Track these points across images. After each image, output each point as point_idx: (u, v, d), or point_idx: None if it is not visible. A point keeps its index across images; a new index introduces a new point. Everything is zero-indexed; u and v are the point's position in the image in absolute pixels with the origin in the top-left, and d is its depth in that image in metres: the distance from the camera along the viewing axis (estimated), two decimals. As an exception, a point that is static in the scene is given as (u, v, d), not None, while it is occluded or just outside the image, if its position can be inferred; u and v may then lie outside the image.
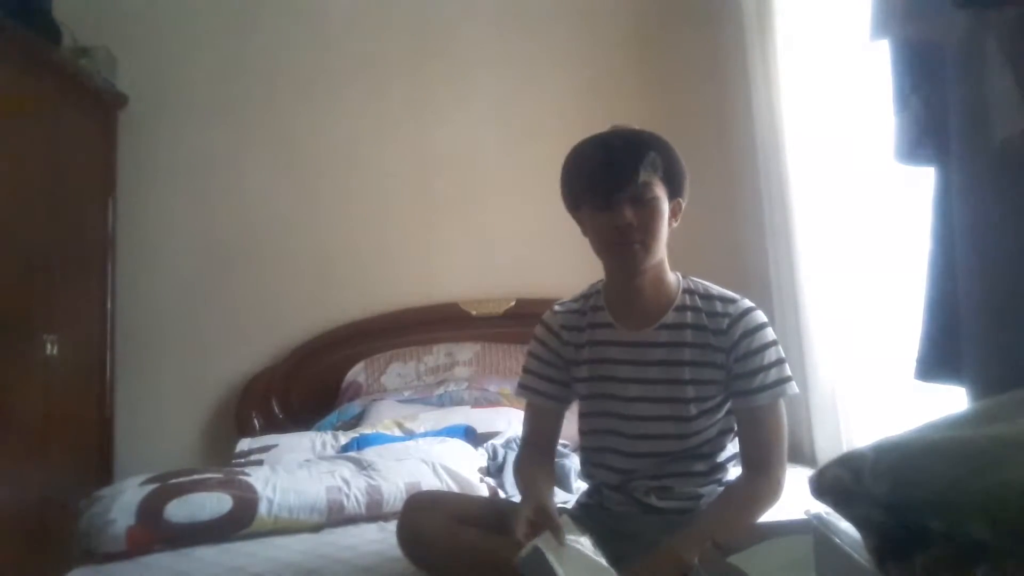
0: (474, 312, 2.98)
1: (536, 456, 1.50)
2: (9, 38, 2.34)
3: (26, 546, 2.28)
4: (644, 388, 1.40)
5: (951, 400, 1.24)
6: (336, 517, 1.74)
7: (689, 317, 1.40)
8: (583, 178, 1.37)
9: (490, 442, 2.18)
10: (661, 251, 1.38)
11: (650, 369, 1.39)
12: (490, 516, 1.38)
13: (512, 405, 2.56)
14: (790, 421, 2.51)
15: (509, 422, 2.34)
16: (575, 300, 1.52)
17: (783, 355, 1.39)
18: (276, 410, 2.86)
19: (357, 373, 2.87)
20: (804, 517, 0.80)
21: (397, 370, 2.86)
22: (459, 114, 3.12)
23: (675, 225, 1.42)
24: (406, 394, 2.70)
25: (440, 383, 2.73)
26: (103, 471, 2.74)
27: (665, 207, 1.36)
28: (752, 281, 2.69)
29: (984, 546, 0.49)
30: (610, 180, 1.33)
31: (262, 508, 1.68)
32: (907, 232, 1.82)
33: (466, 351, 2.89)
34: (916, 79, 1.24)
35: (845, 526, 0.69)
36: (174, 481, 1.73)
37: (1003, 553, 0.49)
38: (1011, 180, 1.05)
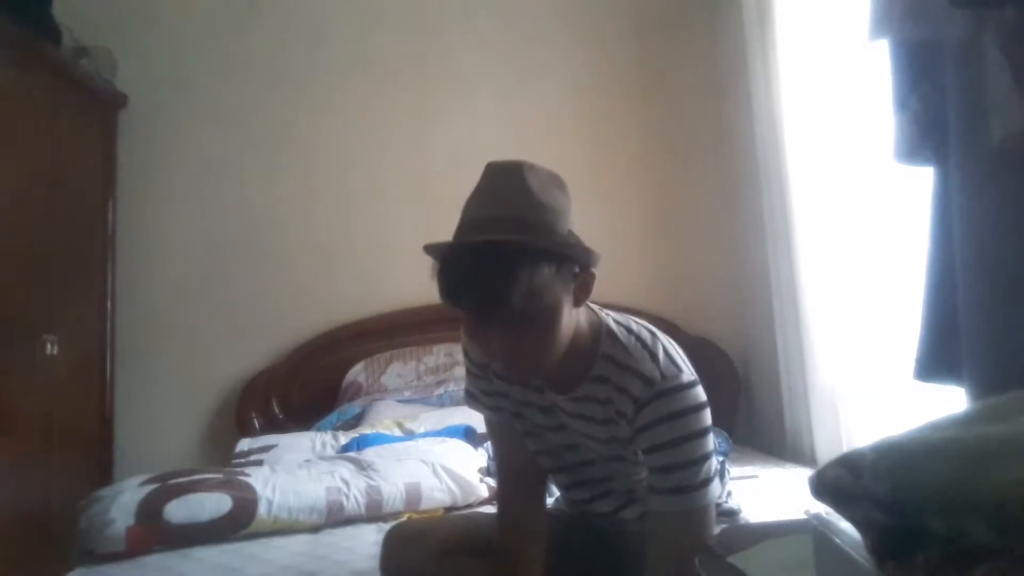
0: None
1: (519, 496, 1.33)
2: (9, 38, 2.34)
3: (26, 546, 2.27)
4: (566, 436, 1.28)
5: (951, 400, 1.24)
6: (336, 518, 1.74)
7: (602, 392, 1.18)
8: (451, 297, 1.09)
9: (490, 442, 2.18)
10: (560, 349, 1.12)
11: (570, 421, 1.25)
12: (475, 540, 1.35)
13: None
14: (791, 420, 2.53)
15: (509, 422, 2.33)
16: None
17: (704, 451, 1.11)
18: (276, 410, 2.86)
19: (357, 373, 2.87)
20: (804, 517, 0.80)
21: (397, 370, 2.86)
22: (459, 114, 3.12)
23: (586, 299, 1.15)
24: (406, 394, 2.70)
25: (440, 383, 2.74)
26: (103, 471, 2.74)
27: (559, 309, 1.08)
28: (752, 281, 2.69)
29: (984, 546, 0.49)
30: (482, 312, 1.07)
31: (262, 508, 1.68)
32: (907, 232, 1.82)
33: (466, 351, 2.89)
34: (915, 79, 1.24)
35: (845, 526, 0.69)
36: (174, 481, 1.73)
37: (1003, 553, 0.49)
38: (1010, 180, 1.05)
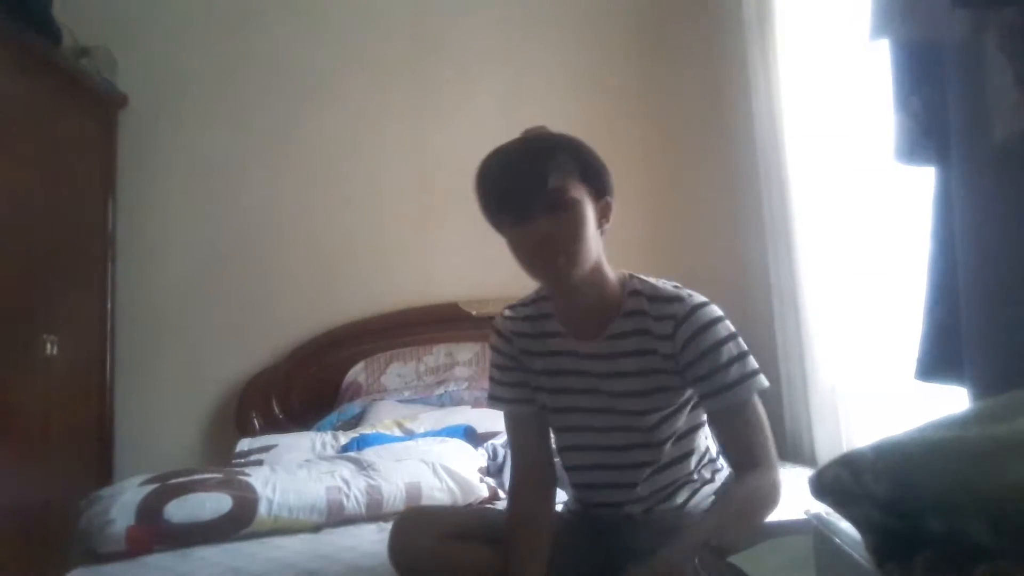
0: (474, 312, 2.98)
1: (529, 487, 1.37)
2: (9, 38, 2.34)
3: (26, 546, 2.28)
4: (600, 400, 1.34)
5: (951, 400, 1.24)
6: (336, 517, 1.74)
7: (637, 323, 1.30)
8: (492, 194, 1.26)
9: (490, 442, 2.18)
10: (592, 257, 1.26)
11: (605, 381, 1.33)
12: (483, 529, 1.36)
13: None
14: (791, 420, 2.53)
15: (509, 422, 2.33)
16: (525, 304, 1.44)
17: (744, 348, 1.27)
18: (276, 410, 2.86)
19: (357, 373, 2.87)
20: (804, 517, 0.80)
21: (397, 370, 2.86)
22: (459, 114, 3.12)
23: (607, 226, 1.30)
24: (406, 394, 2.70)
25: (440, 383, 2.74)
26: (103, 471, 2.74)
27: (587, 210, 1.24)
28: (752, 281, 2.69)
29: (984, 546, 0.49)
30: (519, 192, 1.22)
31: (262, 508, 1.68)
32: (907, 232, 1.82)
33: (466, 351, 2.89)
34: (916, 79, 1.24)
35: (845, 526, 0.69)
36: (174, 481, 1.73)
37: (1003, 553, 0.49)
38: (1011, 180, 1.05)
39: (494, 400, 1.44)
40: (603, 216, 1.29)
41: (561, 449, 1.42)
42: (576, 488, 1.45)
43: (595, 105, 3.05)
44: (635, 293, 1.32)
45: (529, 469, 1.40)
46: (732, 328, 1.27)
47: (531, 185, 1.21)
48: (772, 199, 2.53)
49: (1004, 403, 0.62)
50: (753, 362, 1.27)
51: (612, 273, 1.33)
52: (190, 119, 3.06)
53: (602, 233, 1.30)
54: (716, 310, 1.28)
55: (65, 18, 2.67)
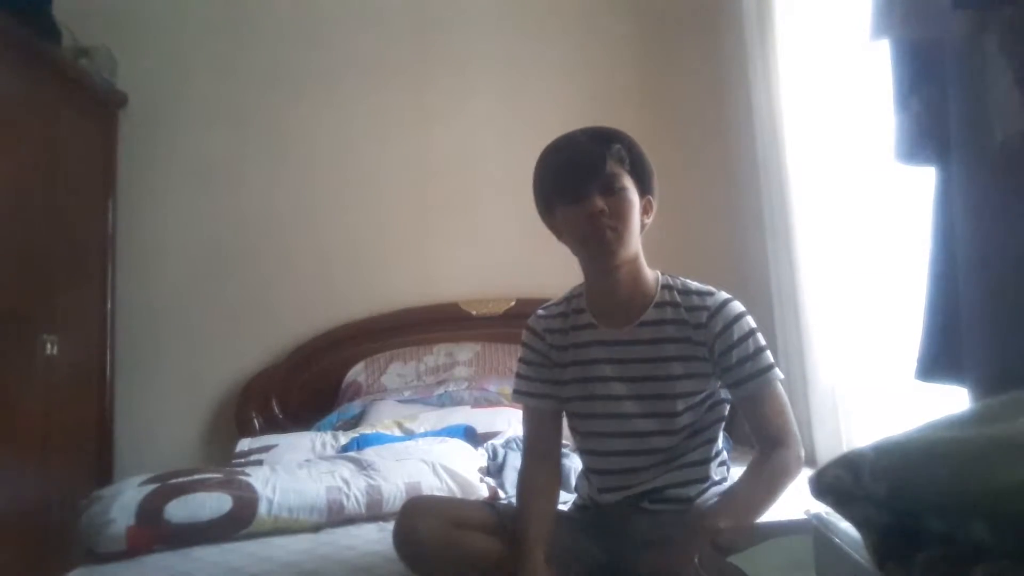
0: (474, 312, 2.98)
1: (540, 469, 1.46)
2: (9, 38, 2.34)
3: (26, 546, 2.28)
4: (629, 386, 1.41)
5: (951, 400, 1.24)
6: (336, 517, 1.74)
7: (669, 313, 1.41)
8: (552, 175, 1.40)
9: (490, 442, 2.18)
10: (635, 244, 1.39)
11: (633, 366, 1.41)
12: (487, 520, 1.38)
13: (512, 405, 2.55)
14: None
15: (509, 422, 2.34)
16: (558, 303, 1.53)
17: (763, 342, 1.40)
18: (276, 410, 2.86)
19: (357, 373, 2.87)
20: (804, 517, 0.80)
21: (397, 370, 2.86)
22: (458, 114, 3.12)
23: (647, 223, 1.43)
24: (406, 394, 2.70)
25: (440, 383, 2.74)
26: (103, 471, 2.74)
27: (635, 199, 1.37)
28: (752, 281, 2.69)
29: (984, 546, 0.49)
30: (578, 171, 1.36)
31: (262, 508, 1.68)
32: (907, 232, 1.82)
33: (466, 351, 2.89)
34: (916, 79, 1.24)
35: (845, 526, 0.69)
36: (174, 481, 1.73)
37: (1002, 553, 0.49)
38: (1011, 180, 1.05)
39: (519, 394, 1.52)
40: (644, 212, 1.41)
41: (584, 436, 1.49)
42: (593, 474, 1.49)
43: (595, 105, 3.04)
44: (667, 287, 1.43)
45: (542, 458, 1.48)
46: (754, 323, 1.41)
47: (590, 167, 1.35)
48: (772, 199, 2.53)
49: (1004, 403, 0.62)
50: (771, 355, 1.40)
51: (648, 268, 1.44)
52: (190, 119, 3.06)
53: (643, 229, 1.41)
54: (741, 305, 1.41)
55: (65, 18, 2.67)
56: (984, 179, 1.10)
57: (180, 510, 1.63)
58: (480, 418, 2.39)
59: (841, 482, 0.58)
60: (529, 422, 1.53)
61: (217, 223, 3.04)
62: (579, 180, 1.35)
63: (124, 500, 1.64)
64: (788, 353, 2.45)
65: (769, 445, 1.37)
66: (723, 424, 1.47)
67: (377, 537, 1.63)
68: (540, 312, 1.54)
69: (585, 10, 3.19)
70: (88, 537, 1.60)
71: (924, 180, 1.29)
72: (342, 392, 2.85)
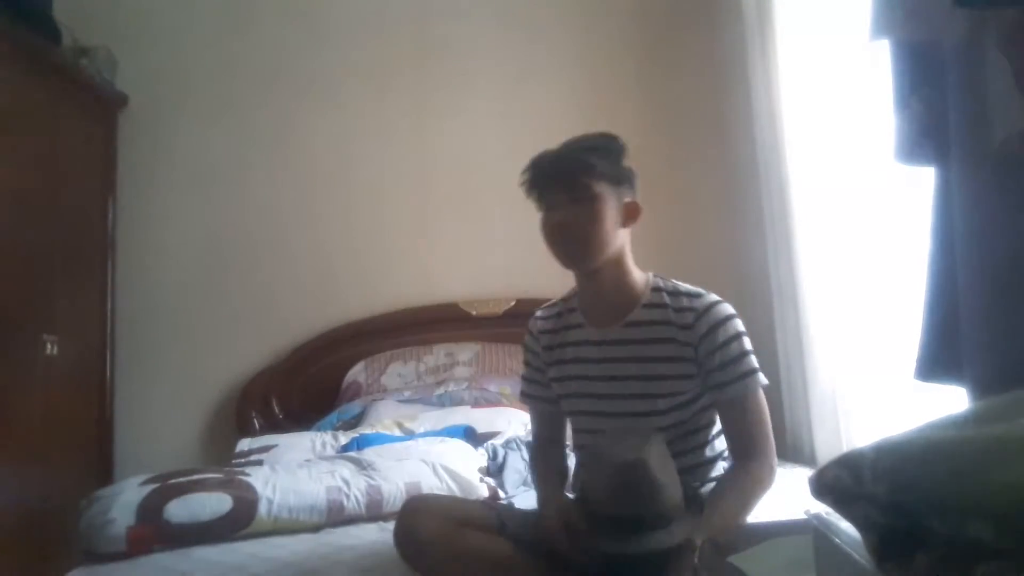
0: (474, 312, 2.98)
1: (547, 450, 1.60)
2: (9, 38, 2.34)
3: (26, 546, 2.28)
4: (614, 384, 1.44)
5: (951, 400, 1.24)
6: (336, 517, 1.74)
7: (657, 314, 1.43)
8: (529, 182, 1.44)
9: (490, 442, 2.18)
10: (608, 250, 1.41)
11: (619, 365, 1.44)
12: (488, 519, 1.39)
13: (512, 405, 2.56)
14: (791, 420, 2.53)
15: (509, 422, 2.34)
16: (555, 304, 1.59)
17: (750, 346, 1.41)
18: (276, 410, 2.86)
19: (357, 373, 2.87)
20: (804, 517, 0.80)
21: (397, 370, 2.86)
22: (459, 114, 3.12)
23: (631, 226, 1.45)
24: (406, 394, 2.70)
25: (440, 383, 2.73)
26: (103, 471, 2.74)
27: (607, 207, 1.39)
28: (752, 281, 2.69)
29: (984, 546, 0.49)
30: (549, 182, 1.40)
31: (262, 508, 1.68)
32: (907, 232, 1.82)
33: (466, 351, 2.89)
34: (916, 79, 1.24)
35: (845, 526, 0.69)
36: (174, 481, 1.73)
37: (1003, 553, 0.49)
38: (1011, 180, 1.05)
39: (524, 396, 1.63)
40: (628, 216, 1.43)
41: (575, 432, 1.56)
42: (580, 467, 1.53)
43: (595, 106, 3.04)
44: (657, 289, 1.46)
45: (547, 446, 1.61)
46: (742, 325, 1.41)
47: (558, 178, 1.39)
48: (772, 199, 2.53)
49: (1004, 403, 0.62)
50: (755, 361, 1.40)
51: (637, 270, 1.47)
52: (190, 119, 3.06)
53: (625, 229, 1.43)
54: (731, 308, 1.42)
55: (65, 18, 2.67)
56: (984, 179, 1.10)
57: (180, 510, 1.63)
58: (480, 418, 2.39)
59: (841, 482, 0.58)
60: (536, 420, 1.64)
61: (217, 223, 3.04)
62: (548, 191, 1.41)
63: (124, 500, 1.64)
64: (788, 353, 2.45)
65: (744, 455, 1.38)
66: (711, 430, 1.47)
67: (377, 537, 1.63)
68: (538, 313, 1.60)
69: (585, 12, 3.19)
70: (88, 537, 1.60)
71: (924, 180, 1.29)
72: (342, 392, 2.84)
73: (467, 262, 3.07)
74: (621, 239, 1.43)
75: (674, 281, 1.48)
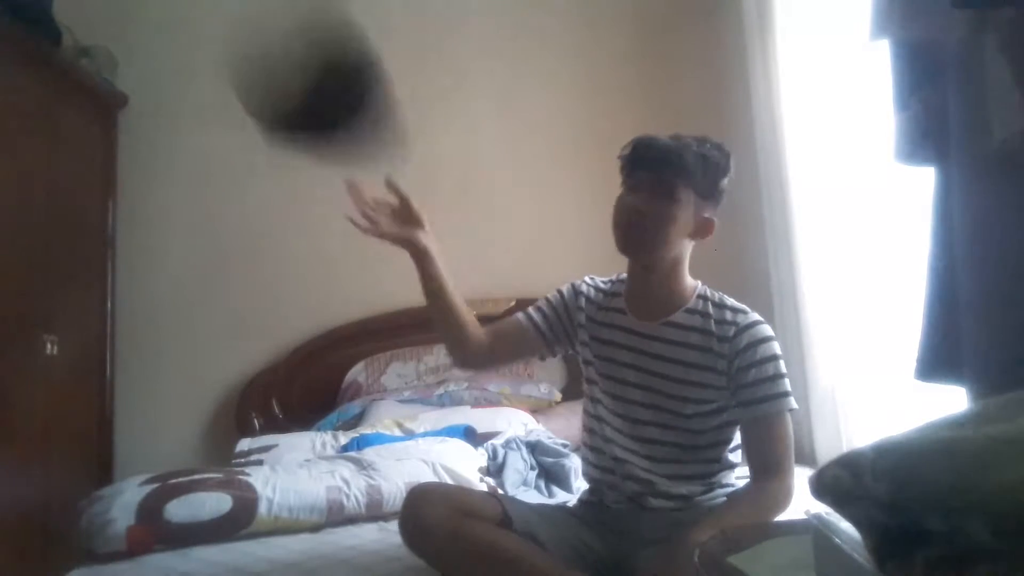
0: (474, 312, 2.97)
1: (480, 337, 1.57)
2: (9, 38, 2.34)
3: (26, 546, 2.27)
4: (642, 376, 1.45)
5: (951, 400, 1.24)
6: (336, 517, 1.74)
7: (697, 321, 1.44)
8: (626, 156, 1.43)
9: (490, 442, 2.18)
10: (670, 253, 1.42)
11: (651, 361, 1.45)
12: (493, 510, 1.39)
13: (512, 405, 2.56)
14: (791, 420, 2.53)
15: (509, 422, 2.34)
16: (605, 281, 1.59)
17: (785, 371, 1.41)
18: (276, 410, 2.86)
19: (357, 373, 2.87)
20: (804, 517, 0.80)
21: (397, 370, 2.86)
22: (459, 114, 3.12)
23: (701, 240, 1.45)
24: (406, 394, 2.70)
25: (440, 383, 2.73)
26: (103, 471, 2.74)
27: (684, 214, 1.39)
28: (752, 281, 2.69)
29: (984, 546, 0.49)
30: (641, 162, 1.40)
31: (262, 508, 1.68)
32: (907, 232, 1.82)
33: (466, 351, 2.89)
34: (916, 79, 1.24)
35: (845, 526, 0.69)
36: (174, 481, 1.73)
37: (1003, 553, 0.49)
38: (1011, 180, 1.05)
39: (525, 313, 1.60)
40: (700, 230, 1.43)
41: (591, 416, 1.53)
42: (591, 452, 1.52)
43: (595, 107, 3.04)
44: (703, 297, 1.47)
45: (490, 338, 1.58)
46: (780, 350, 1.42)
47: (651, 168, 1.38)
48: (772, 199, 2.53)
49: (1004, 403, 0.62)
50: (788, 384, 1.40)
51: (689, 278, 1.49)
52: (190, 119, 3.06)
53: (691, 240, 1.44)
54: (768, 327, 1.43)
55: (65, 18, 2.66)
56: (984, 179, 1.10)
57: (180, 510, 1.63)
58: (480, 418, 2.39)
59: (841, 482, 0.58)
60: (507, 328, 1.60)
61: (217, 223, 3.03)
62: (635, 170, 1.40)
63: (124, 500, 1.64)
64: (788, 353, 2.44)
65: (764, 474, 1.37)
66: (731, 444, 1.48)
67: (377, 537, 1.64)
68: (587, 279, 1.59)
69: (584, 12, 3.18)
70: (88, 537, 1.60)
71: (924, 180, 1.29)
72: (342, 392, 2.84)
73: (467, 262, 3.06)
74: (684, 248, 1.44)
75: (721, 295, 1.49)
